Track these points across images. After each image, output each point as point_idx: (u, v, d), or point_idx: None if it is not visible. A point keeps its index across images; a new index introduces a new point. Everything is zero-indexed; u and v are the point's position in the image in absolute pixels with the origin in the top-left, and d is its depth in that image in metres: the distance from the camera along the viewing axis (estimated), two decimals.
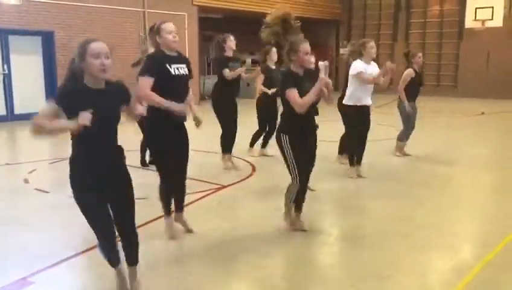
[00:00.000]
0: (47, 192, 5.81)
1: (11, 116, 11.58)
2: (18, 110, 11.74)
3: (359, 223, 4.66)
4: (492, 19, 16.80)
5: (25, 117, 11.98)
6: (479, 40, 17.80)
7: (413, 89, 7.28)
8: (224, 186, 5.95)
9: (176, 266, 3.73)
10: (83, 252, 3.97)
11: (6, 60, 11.53)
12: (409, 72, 7.12)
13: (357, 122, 6.15)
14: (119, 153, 2.95)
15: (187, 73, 4.05)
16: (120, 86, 2.93)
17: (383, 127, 9.85)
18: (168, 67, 3.90)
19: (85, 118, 2.57)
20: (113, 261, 3.08)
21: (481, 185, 6.29)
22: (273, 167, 6.72)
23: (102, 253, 3.07)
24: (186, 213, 4.42)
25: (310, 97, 3.92)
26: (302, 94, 3.93)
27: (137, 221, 3.20)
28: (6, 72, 11.52)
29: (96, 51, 2.72)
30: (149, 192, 4.91)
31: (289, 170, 4.13)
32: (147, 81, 3.83)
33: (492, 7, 16.73)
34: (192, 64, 15.23)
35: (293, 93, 3.92)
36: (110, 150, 2.89)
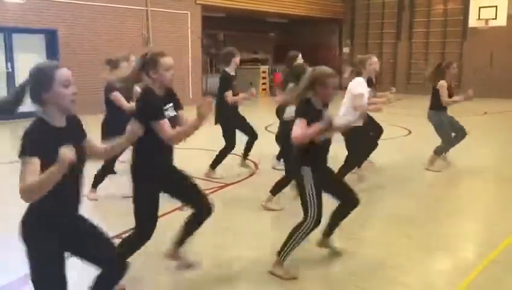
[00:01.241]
0: None
1: (15, 115, 11.57)
2: (22, 108, 11.74)
3: (361, 223, 4.65)
4: (496, 18, 16.74)
5: (28, 115, 12.05)
6: (482, 40, 17.74)
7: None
8: (227, 184, 5.97)
9: None
10: None
11: (10, 58, 11.55)
12: (444, 84, 6.54)
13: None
14: (80, 196, 2.55)
15: (176, 113, 3.36)
16: (78, 122, 2.54)
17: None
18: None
19: (67, 152, 2.05)
20: None
21: (485, 185, 6.28)
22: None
23: None
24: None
25: (314, 131, 3.29)
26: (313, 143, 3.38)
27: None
28: (10, 70, 11.53)
29: (66, 77, 2.31)
30: None
31: (305, 206, 3.48)
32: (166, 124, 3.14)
33: (496, 6, 16.68)
34: (195, 63, 15.32)
35: (296, 131, 3.30)
36: (77, 195, 2.51)
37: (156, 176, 3.24)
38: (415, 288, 3.37)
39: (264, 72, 19.20)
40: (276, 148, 6.02)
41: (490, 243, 4.14)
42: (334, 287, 3.41)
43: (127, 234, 3.59)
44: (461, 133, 6.71)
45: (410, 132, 9.83)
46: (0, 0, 10.81)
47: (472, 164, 7.18)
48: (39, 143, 2.22)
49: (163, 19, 14.19)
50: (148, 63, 3.22)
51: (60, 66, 2.32)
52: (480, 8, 17.00)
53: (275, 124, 6.32)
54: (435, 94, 6.62)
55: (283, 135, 4.90)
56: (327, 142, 3.54)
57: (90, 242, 2.56)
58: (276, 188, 5.09)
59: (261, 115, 10.86)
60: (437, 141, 6.77)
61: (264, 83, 19.22)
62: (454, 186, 6.21)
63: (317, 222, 3.46)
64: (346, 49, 21.05)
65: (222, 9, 16.52)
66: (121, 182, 5.40)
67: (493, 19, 16.83)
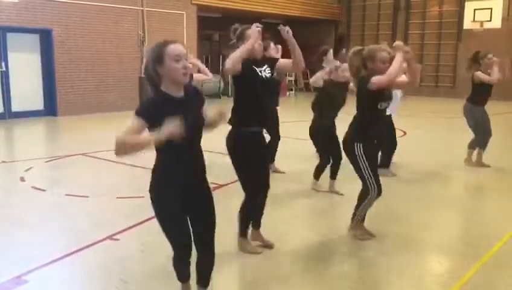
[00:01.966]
0: (43, 190, 5.79)
1: (9, 114, 11.55)
2: (16, 107, 11.73)
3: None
4: (490, 21, 16.82)
5: (23, 115, 11.95)
6: (477, 42, 17.77)
7: (484, 92, 6.71)
8: None
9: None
10: (77, 251, 3.96)
11: (4, 58, 11.49)
12: (479, 74, 6.45)
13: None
14: (203, 162, 2.73)
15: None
16: (197, 92, 2.70)
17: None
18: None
19: (176, 126, 2.30)
20: (183, 276, 2.87)
21: (479, 186, 6.28)
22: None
23: (175, 265, 2.83)
24: None
25: (396, 65, 3.83)
26: (375, 110, 3.94)
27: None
28: (4, 69, 11.48)
29: (177, 52, 2.46)
30: None
31: (364, 180, 3.99)
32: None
33: (491, 9, 16.75)
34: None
35: (378, 77, 3.81)
36: (197, 160, 2.68)
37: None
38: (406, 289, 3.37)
39: None
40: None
41: (483, 245, 4.14)
42: (326, 288, 3.40)
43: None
44: (488, 133, 6.80)
45: (405, 133, 9.84)
46: None
47: (464, 165, 7.18)
48: (150, 108, 2.45)
49: (158, 19, 14.17)
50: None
51: (173, 41, 2.49)
52: (475, 10, 17.06)
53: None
54: (473, 87, 6.64)
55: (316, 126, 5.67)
56: (384, 119, 4.22)
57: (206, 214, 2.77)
58: (317, 172, 5.75)
59: None
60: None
61: None
62: (449, 188, 6.21)
63: (379, 191, 3.99)
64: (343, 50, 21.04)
65: (217, 10, 16.51)
66: None
67: (488, 21, 16.90)
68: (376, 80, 3.79)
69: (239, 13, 17.16)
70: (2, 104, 11.54)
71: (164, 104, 2.45)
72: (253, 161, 3.70)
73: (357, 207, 4.14)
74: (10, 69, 11.59)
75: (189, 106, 2.55)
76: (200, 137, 2.65)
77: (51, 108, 12.33)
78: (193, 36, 15.46)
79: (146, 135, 2.38)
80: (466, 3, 17.37)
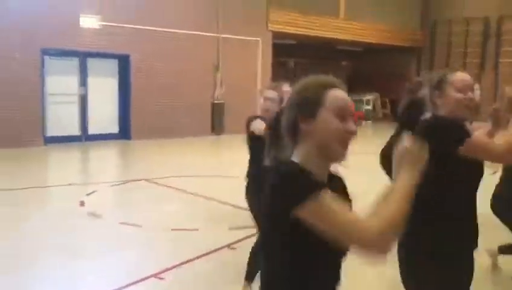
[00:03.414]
0: (99, 216, 5.62)
1: (86, 137, 11.87)
2: (92, 130, 12.05)
3: None
4: None
5: (99, 138, 12.25)
6: None
7: None
8: None
9: None
10: (126, 286, 3.66)
11: (84, 82, 11.88)
12: None
13: None
14: None
15: None
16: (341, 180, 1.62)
17: None
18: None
19: None
20: None
21: None
22: None
23: None
24: None
25: None
26: (458, 174, 2.16)
27: None
28: (83, 93, 11.86)
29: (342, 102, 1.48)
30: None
31: None
32: None
33: None
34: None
35: (476, 139, 2.18)
36: None
37: None
38: None
39: None
40: None
41: None
42: None
43: None
44: None
45: None
46: (77, 26, 11.18)
47: None
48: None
49: (233, 46, 14.13)
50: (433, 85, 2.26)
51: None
52: None
53: None
54: None
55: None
56: None
57: None
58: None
59: None
60: None
61: None
62: None
63: None
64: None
65: (293, 36, 16.27)
66: None
67: None
68: (476, 146, 2.21)
69: (312, 40, 16.84)
70: (79, 126, 11.90)
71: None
72: None
73: None
74: (89, 93, 11.96)
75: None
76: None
77: (125, 131, 12.55)
78: (268, 63, 15.28)
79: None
80: None
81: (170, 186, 7.15)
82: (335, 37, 16.77)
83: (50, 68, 11.30)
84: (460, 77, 2.24)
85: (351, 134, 1.44)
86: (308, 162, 1.43)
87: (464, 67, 18.79)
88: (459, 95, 2.20)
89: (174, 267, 4.11)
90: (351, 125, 1.44)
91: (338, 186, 1.52)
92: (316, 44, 17.88)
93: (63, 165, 9.68)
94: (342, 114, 1.44)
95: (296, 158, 1.45)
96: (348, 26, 17.18)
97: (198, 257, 4.31)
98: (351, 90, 20.83)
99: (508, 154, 2.17)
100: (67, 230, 5.16)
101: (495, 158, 2.27)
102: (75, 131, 11.82)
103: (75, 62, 11.77)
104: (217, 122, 13.81)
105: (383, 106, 19.93)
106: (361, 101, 19.07)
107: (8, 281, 3.77)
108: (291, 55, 18.34)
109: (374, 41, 18.01)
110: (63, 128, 11.51)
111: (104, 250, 4.58)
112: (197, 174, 7.99)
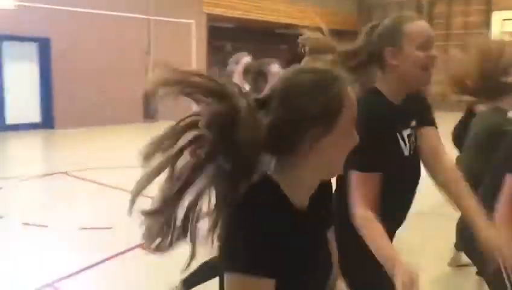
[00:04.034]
0: (0, 217, 5.06)
1: (4, 127, 10.98)
2: (11, 120, 11.17)
3: None
4: None
5: (19, 127, 11.33)
6: None
7: None
8: None
9: None
10: None
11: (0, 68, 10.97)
12: None
13: None
14: None
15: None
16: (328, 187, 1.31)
17: None
18: (399, 138, 1.76)
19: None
20: None
21: None
22: None
23: None
24: None
25: None
26: None
27: None
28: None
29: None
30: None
31: None
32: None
33: None
34: None
35: None
36: None
37: None
38: None
39: None
40: None
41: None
42: None
43: None
44: None
45: None
46: None
47: None
48: (267, 249, 1.03)
49: (165, 28, 13.53)
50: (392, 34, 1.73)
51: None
52: (503, 20, 16.03)
53: None
54: None
55: None
56: None
57: None
58: None
59: None
60: None
61: None
62: None
63: None
64: None
65: (230, 20, 15.84)
66: None
67: None
68: None
69: (252, 23, 16.49)
70: None
71: (289, 229, 1.06)
72: None
73: None
74: (6, 79, 11.05)
75: (318, 230, 1.23)
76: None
77: (48, 120, 11.72)
78: (203, 47, 14.79)
79: None
80: (493, 13, 16.34)
81: (89, 180, 6.64)
82: (274, 20, 16.50)
83: None
84: (421, 27, 1.71)
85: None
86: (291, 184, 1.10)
87: None
88: (420, 54, 1.68)
89: (75, 273, 3.69)
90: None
91: (321, 202, 1.20)
92: (254, 28, 17.53)
93: None
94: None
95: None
96: (286, 10, 16.95)
97: (106, 259, 3.92)
98: None
99: None
100: None
101: None
102: None
103: None
104: (149, 109, 13.24)
105: None
106: None
107: None
108: (229, 39, 17.88)
109: (312, 25, 17.89)
110: None
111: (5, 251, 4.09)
112: (122, 165, 7.48)
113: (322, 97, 1.05)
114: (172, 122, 1.04)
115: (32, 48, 11.49)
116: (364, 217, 1.59)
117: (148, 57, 13.13)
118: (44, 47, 11.51)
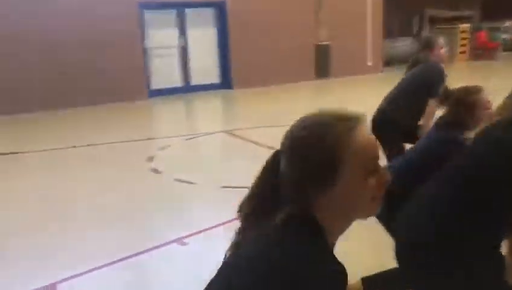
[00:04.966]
0: (159, 172, 5.49)
1: (188, 88, 11.98)
2: (195, 81, 12.11)
3: None
4: None
5: (201, 88, 12.25)
6: None
7: None
8: None
9: None
10: (128, 257, 3.45)
11: (183, 33, 11.86)
12: None
13: None
14: None
15: None
16: None
17: None
18: None
19: None
20: None
21: None
22: None
23: None
24: None
25: None
26: None
27: None
28: (184, 44, 11.86)
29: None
30: None
31: None
32: None
33: None
34: (377, 26, 13.76)
35: None
36: None
37: None
38: None
39: (463, 31, 16.30)
40: None
41: None
42: None
43: None
44: None
45: None
46: None
47: None
48: None
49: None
50: None
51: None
52: None
53: None
54: None
55: None
56: None
57: None
58: None
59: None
60: None
61: (463, 45, 16.38)
62: None
63: None
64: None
65: None
66: None
67: None
68: None
69: None
70: (182, 78, 12.02)
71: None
72: None
73: None
74: (189, 45, 11.93)
75: None
76: None
77: (226, 81, 12.40)
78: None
79: None
80: None
81: (249, 140, 6.73)
82: None
83: (149, 22, 11.38)
84: None
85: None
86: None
87: None
88: None
89: (203, 230, 3.80)
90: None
91: None
92: None
93: (163, 117, 9.88)
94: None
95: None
96: None
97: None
98: (486, 17, 18.26)
99: None
100: (118, 187, 5.07)
101: None
102: (178, 82, 11.98)
103: (172, 14, 11.74)
104: (321, 66, 13.00)
105: None
106: (497, 29, 16.57)
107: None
108: None
109: None
110: (165, 81, 11.72)
111: (151, 208, 4.44)
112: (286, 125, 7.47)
113: (312, 154, 1.03)
114: None
115: (209, 13, 12.15)
116: None
117: (320, 10, 12.79)
118: (220, 11, 12.05)
